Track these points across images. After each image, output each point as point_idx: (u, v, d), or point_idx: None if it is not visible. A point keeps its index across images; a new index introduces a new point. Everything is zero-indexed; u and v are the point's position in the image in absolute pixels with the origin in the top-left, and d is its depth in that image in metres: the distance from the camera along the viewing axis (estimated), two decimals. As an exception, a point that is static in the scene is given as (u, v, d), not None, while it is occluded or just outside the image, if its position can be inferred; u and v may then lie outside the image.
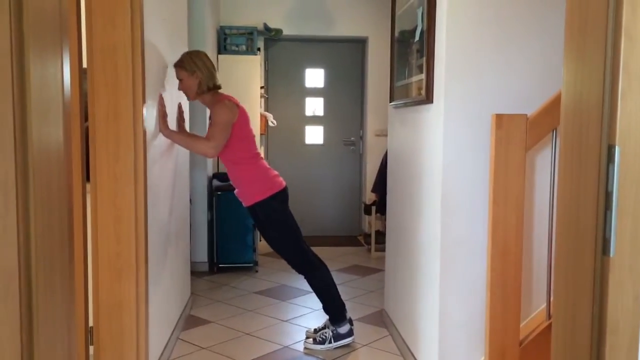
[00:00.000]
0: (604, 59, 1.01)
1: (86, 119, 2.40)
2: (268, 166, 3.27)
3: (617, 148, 0.98)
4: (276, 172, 3.28)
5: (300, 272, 3.33)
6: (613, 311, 1.01)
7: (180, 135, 3.16)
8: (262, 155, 3.22)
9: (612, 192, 1.00)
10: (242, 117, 3.14)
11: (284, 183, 3.26)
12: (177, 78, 3.13)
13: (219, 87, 3.18)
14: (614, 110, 0.98)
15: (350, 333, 3.33)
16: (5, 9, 0.83)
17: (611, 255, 1.00)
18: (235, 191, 3.29)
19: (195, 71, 3.07)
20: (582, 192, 1.07)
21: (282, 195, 3.22)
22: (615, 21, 0.98)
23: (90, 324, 2.47)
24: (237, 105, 3.14)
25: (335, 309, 3.33)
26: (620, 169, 0.98)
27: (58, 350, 1.01)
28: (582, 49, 1.08)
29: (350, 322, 3.37)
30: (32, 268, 0.90)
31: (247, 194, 3.21)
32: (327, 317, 3.38)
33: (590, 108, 1.04)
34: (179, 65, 3.11)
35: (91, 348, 2.48)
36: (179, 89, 3.16)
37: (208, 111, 3.35)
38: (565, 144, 1.13)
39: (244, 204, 3.25)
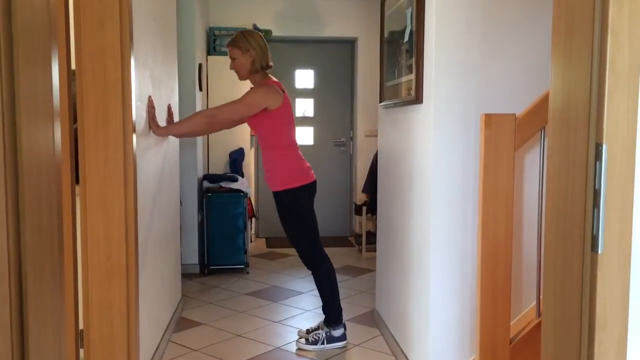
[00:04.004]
0: (591, 57, 1.02)
1: (75, 121, 2.39)
2: (303, 157, 3.30)
3: (604, 146, 0.99)
4: (309, 165, 3.31)
5: (309, 266, 3.34)
6: (602, 307, 1.02)
7: (174, 125, 3.21)
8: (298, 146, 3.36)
9: (600, 189, 1.01)
10: (286, 104, 3.17)
11: (314, 177, 3.29)
12: (230, 57, 3.19)
13: (271, 67, 3.23)
14: (601, 108, 0.99)
15: (343, 337, 3.34)
16: (-6, 11, 0.82)
17: (599, 252, 1.01)
18: (265, 175, 3.30)
19: (249, 50, 3.12)
20: (570, 190, 1.08)
21: (311, 188, 3.26)
22: (602, 18, 0.99)
23: (81, 326, 2.45)
24: (283, 92, 3.17)
25: (334, 311, 3.34)
26: (608, 166, 1.00)
27: (48, 353, 1.01)
28: (569, 48, 1.09)
29: (344, 327, 3.38)
30: (22, 271, 0.90)
31: (279, 180, 3.22)
32: (321, 318, 3.39)
33: (578, 106, 1.05)
34: (232, 44, 3.16)
35: (81, 351, 2.46)
36: (231, 68, 3.21)
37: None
38: (553, 142, 1.14)
39: (273, 189, 3.26)
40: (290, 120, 3.22)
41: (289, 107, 3.20)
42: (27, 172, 0.90)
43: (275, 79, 3.25)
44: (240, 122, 3.33)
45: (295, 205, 3.22)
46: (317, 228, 3.30)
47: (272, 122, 3.13)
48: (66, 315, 1.09)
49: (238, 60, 3.15)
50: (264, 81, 3.18)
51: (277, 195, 3.25)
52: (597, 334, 1.03)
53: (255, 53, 3.13)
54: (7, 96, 0.85)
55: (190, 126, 3.14)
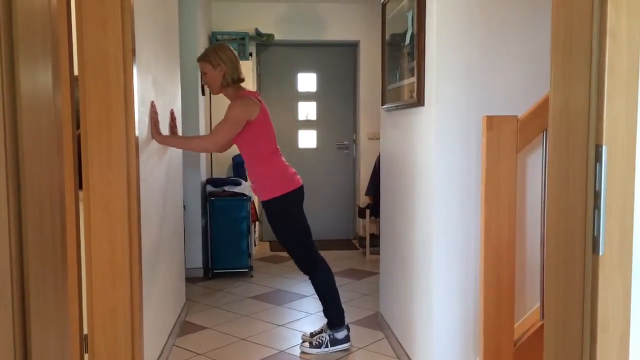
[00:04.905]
0: (590, 59, 1.02)
1: (78, 126, 2.40)
2: (287, 163, 3.29)
3: (604, 147, 1.00)
4: (294, 170, 3.30)
5: (305, 272, 3.34)
6: (604, 309, 1.02)
7: (175, 138, 3.20)
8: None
9: (600, 191, 1.01)
10: (263, 113, 3.16)
11: (301, 181, 3.29)
12: (202, 72, 3.21)
13: (243, 80, 3.23)
14: (601, 109, 1.00)
15: (347, 339, 3.33)
16: (-5, 18, 0.83)
17: (601, 253, 1.01)
18: (252, 186, 3.31)
19: (220, 64, 3.14)
20: (571, 192, 1.08)
21: (298, 193, 3.25)
22: (600, 21, 0.99)
23: (85, 331, 2.46)
24: (259, 102, 3.17)
25: (335, 313, 3.34)
26: (608, 168, 1.00)
27: (53, 359, 1.01)
28: (568, 50, 1.09)
29: (348, 328, 3.37)
30: (25, 276, 0.90)
31: (265, 189, 3.22)
32: (324, 321, 3.39)
33: (578, 108, 1.06)
34: (203, 59, 3.18)
35: (86, 356, 2.47)
36: (203, 83, 3.22)
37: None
38: (553, 144, 1.14)
39: (260, 198, 3.27)
40: (269, 128, 3.20)
41: (266, 115, 3.19)
42: (29, 178, 0.91)
43: (249, 89, 3.26)
44: (231, 143, 3.24)
45: (284, 213, 3.22)
46: (310, 232, 3.29)
47: (253, 133, 3.12)
48: (70, 320, 1.10)
49: (209, 74, 3.16)
50: (238, 93, 3.18)
51: (265, 204, 3.25)
52: (599, 335, 1.03)
53: (226, 67, 3.13)
54: (8, 102, 0.86)
55: (190, 148, 3.27)
